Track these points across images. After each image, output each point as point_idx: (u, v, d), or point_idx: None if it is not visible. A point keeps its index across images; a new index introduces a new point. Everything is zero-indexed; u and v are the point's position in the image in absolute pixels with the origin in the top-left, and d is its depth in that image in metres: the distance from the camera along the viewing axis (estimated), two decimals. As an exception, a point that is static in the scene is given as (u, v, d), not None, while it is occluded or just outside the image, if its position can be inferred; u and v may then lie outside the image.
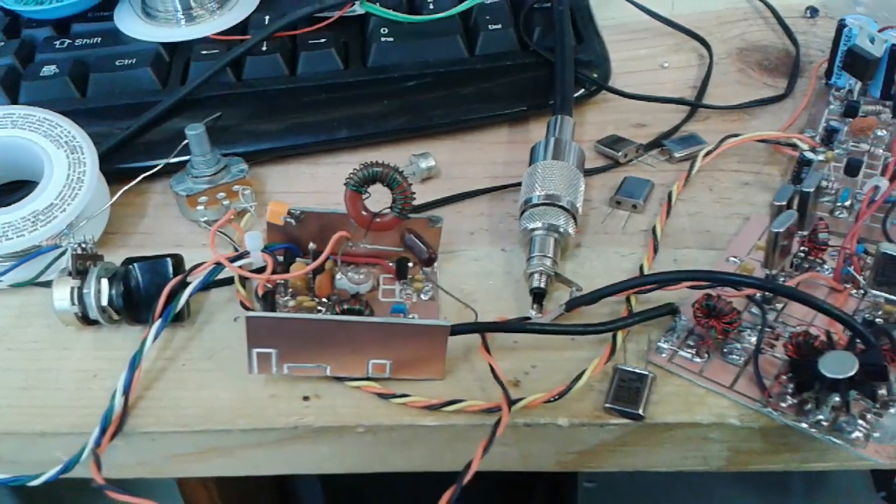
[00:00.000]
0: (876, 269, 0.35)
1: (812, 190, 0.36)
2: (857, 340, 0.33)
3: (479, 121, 0.51)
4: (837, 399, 0.32)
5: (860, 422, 0.33)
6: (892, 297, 0.35)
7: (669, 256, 0.42)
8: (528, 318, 0.38)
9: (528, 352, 0.38)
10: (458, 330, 0.36)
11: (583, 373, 0.35)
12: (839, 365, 0.32)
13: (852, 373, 0.31)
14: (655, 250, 0.42)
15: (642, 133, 0.50)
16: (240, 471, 0.37)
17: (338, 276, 0.38)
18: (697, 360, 0.36)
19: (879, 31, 0.48)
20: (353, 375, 0.36)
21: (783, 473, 0.71)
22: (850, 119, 0.47)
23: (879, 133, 0.46)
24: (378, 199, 0.39)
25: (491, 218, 0.45)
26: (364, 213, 0.38)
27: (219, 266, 0.38)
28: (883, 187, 0.40)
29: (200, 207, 0.44)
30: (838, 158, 0.45)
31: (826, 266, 0.39)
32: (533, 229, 0.41)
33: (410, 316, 0.39)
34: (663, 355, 0.36)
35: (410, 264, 0.41)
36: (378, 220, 0.38)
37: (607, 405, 0.35)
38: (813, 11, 0.59)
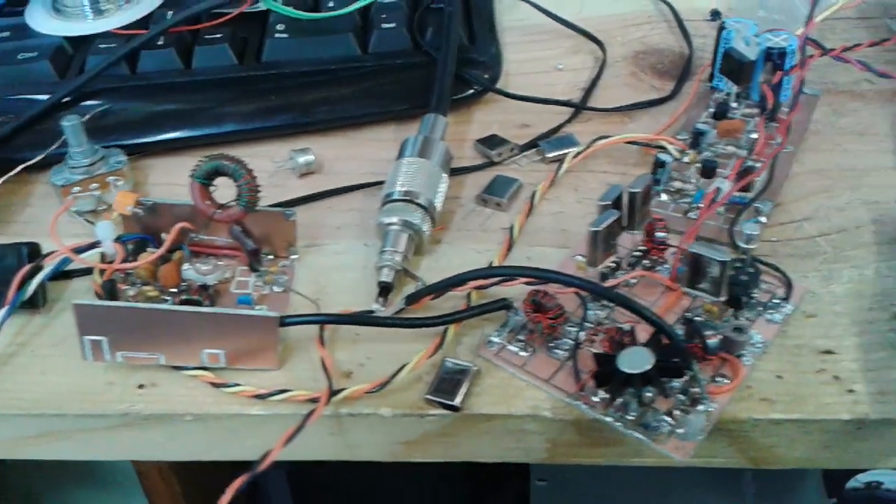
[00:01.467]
0: (688, 268, 0.36)
1: (639, 190, 0.37)
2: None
3: (365, 118, 0.52)
4: (650, 394, 0.33)
5: (666, 418, 0.34)
6: (705, 295, 0.36)
7: (523, 254, 0.43)
8: (372, 311, 0.39)
9: (368, 344, 0.38)
10: (287, 321, 0.37)
11: (405, 365, 0.36)
12: (636, 361, 0.32)
13: (647, 368, 0.32)
14: (510, 248, 0.43)
15: (525, 133, 0.51)
16: (79, 455, 0.38)
17: (185, 266, 0.39)
18: (523, 354, 0.37)
19: (759, 34, 0.49)
20: (188, 364, 0.37)
21: (736, 473, 0.72)
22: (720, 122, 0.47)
23: (753, 136, 0.47)
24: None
25: (361, 213, 0.46)
26: (209, 204, 0.39)
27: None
28: (724, 189, 0.41)
29: (70, 198, 0.45)
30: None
31: (667, 265, 0.40)
32: (388, 224, 0.42)
33: (258, 307, 0.40)
34: (492, 349, 0.37)
35: (271, 256, 0.42)
36: (220, 212, 0.39)
37: (427, 396, 0.35)
38: (716, 15, 0.59)
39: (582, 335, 0.37)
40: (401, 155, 0.45)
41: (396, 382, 0.36)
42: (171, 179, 0.49)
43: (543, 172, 0.47)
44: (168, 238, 0.38)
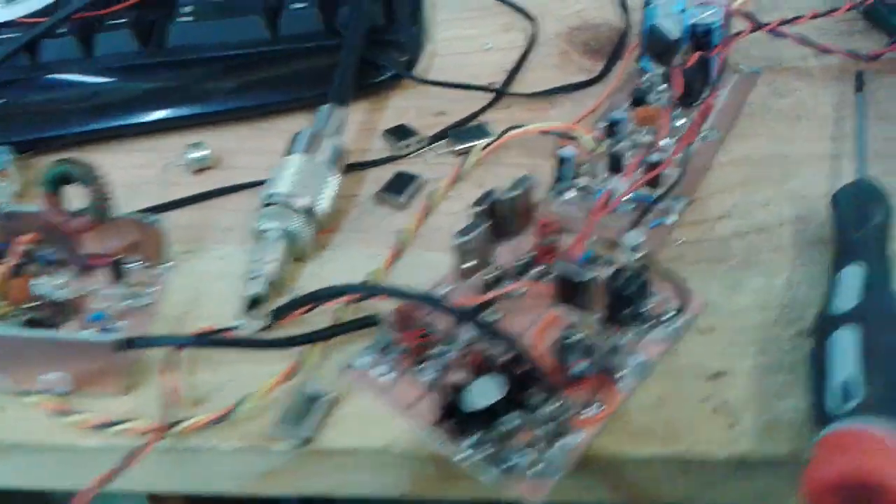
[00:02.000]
0: (558, 283, 0.33)
1: (515, 194, 0.34)
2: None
3: (272, 107, 0.48)
4: (505, 427, 0.30)
5: (527, 451, 0.31)
6: (579, 311, 0.33)
7: (415, 259, 0.40)
8: (233, 328, 0.36)
9: (230, 365, 0.36)
10: (133, 343, 0.34)
11: (247, 396, 0.33)
12: (485, 391, 0.29)
13: (492, 402, 0.29)
14: (398, 254, 0.40)
15: (440, 122, 0.47)
16: None
17: (32, 281, 0.37)
18: (387, 378, 0.34)
19: (686, 8, 0.44)
20: (33, 389, 0.35)
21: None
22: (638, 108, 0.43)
23: (678, 123, 0.43)
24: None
25: (255, 214, 0.43)
26: (58, 213, 0.37)
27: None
28: (619, 189, 0.37)
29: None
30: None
31: (558, 275, 0.37)
32: (262, 230, 0.39)
33: (119, 323, 0.37)
34: (355, 371, 0.35)
35: (138, 265, 0.39)
36: (72, 221, 0.36)
37: (270, 430, 0.33)
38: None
39: (451, 356, 0.34)
40: (288, 152, 0.42)
41: (242, 412, 0.33)
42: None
43: (451, 167, 0.44)
44: (10, 251, 0.36)
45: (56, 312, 0.36)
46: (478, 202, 0.33)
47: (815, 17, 0.46)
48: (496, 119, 0.47)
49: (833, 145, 0.42)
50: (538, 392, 0.30)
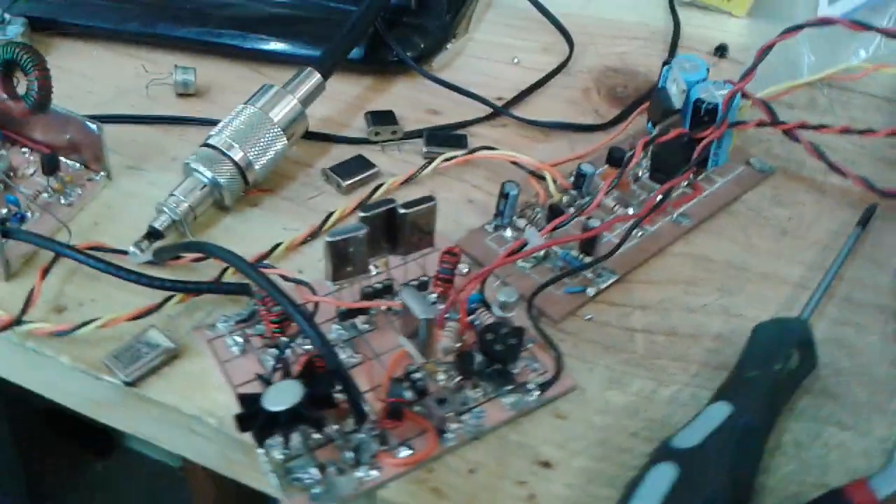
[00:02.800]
0: (402, 315, 0.31)
1: (405, 212, 0.32)
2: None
3: (274, 56, 0.48)
4: (301, 439, 0.29)
5: (314, 470, 0.29)
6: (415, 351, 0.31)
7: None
8: (125, 252, 0.36)
9: (104, 286, 0.36)
10: (9, 233, 0.35)
11: (94, 320, 0.33)
12: (283, 395, 0.28)
13: (280, 409, 0.28)
14: (315, 235, 0.39)
15: (428, 120, 0.46)
16: None
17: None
18: (234, 350, 0.34)
19: (705, 80, 0.41)
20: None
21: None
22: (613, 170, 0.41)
23: (641, 198, 0.40)
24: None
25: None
26: (3, 94, 0.37)
27: None
28: (532, 242, 0.35)
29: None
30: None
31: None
32: (192, 168, 0.39)
33: (30, 213, 0.38)
34: (209, 334, 0.34)
35: (77, 166, 0.40)
36: (7, 101, 0.37)
37: (104, 360, 0.33)
38: (722, 50, 0.51)
39: (288, 352, 0.33)
40: (248, 101, 0.41)
41: (84, 333, 0.33)
42: (69, 64, 0.48)
43: (413, 167, 0.43)
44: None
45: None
46: (366, 208, 0.32)
47: (846, 131, 0.42)
48: (483, 134, 0.45)
49: (804, 274, 0.38)
50: (348, 414, 0.29)
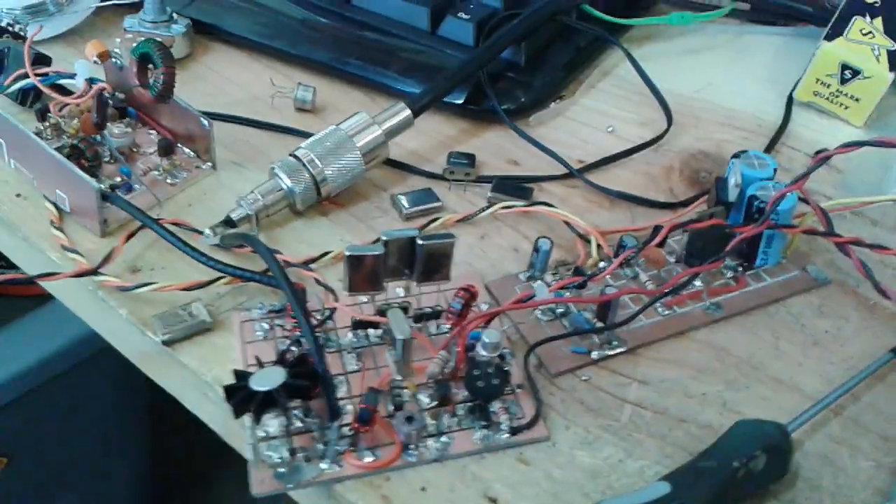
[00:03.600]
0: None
1: (423, 242, 0.35)
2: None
3: (387, 88, 0.53)
4: (276, 418, 0.33)
5: (284, 451, 0.33)
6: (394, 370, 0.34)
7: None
8: (202, 233, 0.42)
9: (175, 258, 0.41)
10: (110, 197, 0.41)
11: (154, 284, 0.39)
12: (267, 378, 0.32)
13: (260, 389, 0.32)
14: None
15: (507, 169, 0.49)
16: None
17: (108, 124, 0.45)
18: (258, 334, 0.38)
19: (770, 179, 0.42)
20: (49, 196, 0.43)
21: None
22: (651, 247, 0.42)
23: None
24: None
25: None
26: (136, 78, 0.44)
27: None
28: (540, 294, 0.37)
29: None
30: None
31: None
32: (275, 172, 0.44)
33: (137, 186, 0.45)
34: (242, 315, 0.39)
35: (190, 154, 0.46)
36: (137, 87, 0.44)
37: (150, 318, 0.38)
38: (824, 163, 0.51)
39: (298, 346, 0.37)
40: (340, 123, 0.46)
41: (143, 293, 0.39)
42: (218, 66, 0.55)
43: (474, 208, 0.46)
44: (83, 91, 0.45)
45: (95, 154, 0.44)
46: (389, 233, 0.36)
47: (906, 255, 0.41)
48: (552, 192, 0.48)
49: (820, 388, 0.38)
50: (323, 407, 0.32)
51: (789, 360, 0.39)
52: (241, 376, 0.33)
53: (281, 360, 0.33)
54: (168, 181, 0.46)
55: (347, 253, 0.35)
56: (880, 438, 0.36)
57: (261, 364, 0.34)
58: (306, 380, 0.32)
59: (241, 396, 0.32)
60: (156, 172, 0.46)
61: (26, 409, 0.76)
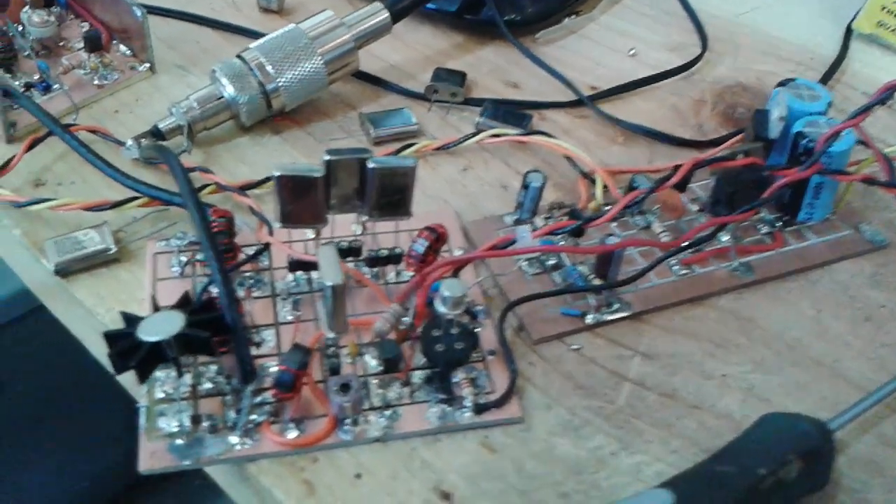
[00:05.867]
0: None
1: (379, 166, 0.27)
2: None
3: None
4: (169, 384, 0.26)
5: (203, 419, 0.26)
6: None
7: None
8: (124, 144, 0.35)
9: (91, 173, 0.34)
10: (4, 93, 0.34)
11: (55, 200, 0.32)
12: (159, 326, 0.25)
13: (149, 339, 0.24)
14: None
15: (504, 92, 0.41)
16: None
17: (26, 9, 0.38)
18: (174, 269, 0.31)
19: (821, 113, 0.34)
20: None
21: None
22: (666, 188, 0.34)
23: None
24: None
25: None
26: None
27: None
28: (523, 240, 0.29)
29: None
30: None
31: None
32: (216, 77, 0.36)
33: (56, 84, 0.37)
34: (158, 245, 0.32)
35: (126, 52, 0.39)
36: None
37: (45, 242, 0.31)
38: (889, 98, 0.42)
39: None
40: (300, 22, 0.38)
41: (39, 210, 0.32)
42: None
43: (458, 135, 0.38)
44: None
45: (9, 45, 0.37)
46: (334, 151, 0.28)
47: None
48: (555, 121, 0.40)
49: (871, 375, 0.30)
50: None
51: (834, 338, 0.31)
52: (131, 321, 0.26)
53: (183, 304, 0.26)
54: (95, 82, 0.38)
55: (277, 173, 0.27)
56: (947, 445, 0.28)
57: (157, 307, 0.26)
58: (209, 330, 0.25)
59: (122, 346, 0.25)
60: (81, 71, 0.38)
61: (14, 336, 0.72)
